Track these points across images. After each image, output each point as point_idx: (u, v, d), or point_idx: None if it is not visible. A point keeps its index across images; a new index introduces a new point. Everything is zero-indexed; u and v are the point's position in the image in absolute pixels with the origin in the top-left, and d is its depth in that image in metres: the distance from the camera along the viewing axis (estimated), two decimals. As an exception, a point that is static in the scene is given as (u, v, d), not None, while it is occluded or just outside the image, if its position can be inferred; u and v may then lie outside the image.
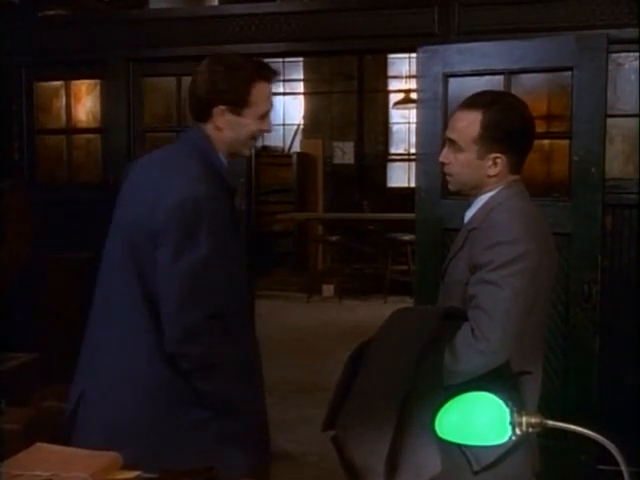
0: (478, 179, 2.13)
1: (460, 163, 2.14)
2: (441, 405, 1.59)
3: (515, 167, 2.14)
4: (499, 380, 1.91)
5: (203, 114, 2.35)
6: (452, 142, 2.15)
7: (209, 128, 2.36)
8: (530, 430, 1.51)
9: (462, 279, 2.09)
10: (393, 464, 1.88)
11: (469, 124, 2.10)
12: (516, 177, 2.16)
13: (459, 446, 1.93)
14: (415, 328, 2.00)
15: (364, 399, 1.99)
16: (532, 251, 1.97)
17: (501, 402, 1.53)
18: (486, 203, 2.14)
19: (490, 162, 2.10)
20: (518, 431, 1.51)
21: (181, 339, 2.18)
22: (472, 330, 1.94)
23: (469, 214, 2.22)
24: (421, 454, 1.88)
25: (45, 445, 2.08)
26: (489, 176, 2.11)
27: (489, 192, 2.14)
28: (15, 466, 1.88)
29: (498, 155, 2.09)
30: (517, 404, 1.55)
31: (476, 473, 2.00)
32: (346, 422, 2.00)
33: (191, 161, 2.31)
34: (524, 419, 1.50)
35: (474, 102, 2.15)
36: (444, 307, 2.09)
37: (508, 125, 2.08)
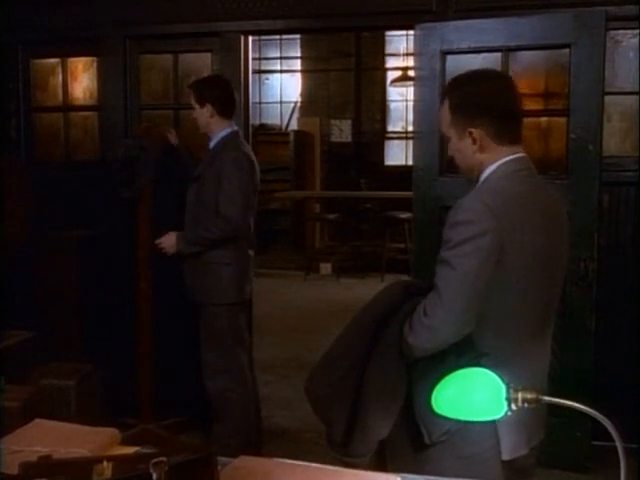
0: (470, 160, 2.12)
1: (453, 152, 2.17)
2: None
3: (499, 136, 2.08)
4: (461, 360, 1.89)
5: None
6: (445, 136, 2.19)
7: None
8: (526, 405, 1.53)
9: None
10: (350, 423, 2.07)
11: (443, 114, 2.14)
12: (513, 156, 2.09)
13: (414, 417, 2.00)
14: (378, 299, 2.16)
15: (330, 360, 2.17)
16: (489, 231, 1.93)
17: (497, 378, 1.55)
18: (478, 183, 2.13)
19: (469, 139, 2.09)
20: (514, 406, 1.53)
21: None
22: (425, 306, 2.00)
23: None
24: (371, 418, 2.04)
25: (44, 421, 2.10)
26: (474, 152, 2.10)
27: (486, 170, 2.11)
28: (15, 442, 1.89)
29: (471, 129, 2.08)
30: None
31: (428, 446, 2.03)
32: (313, 378, 2.20)
33: None
34: (520, 395, 1.52)
35: (443, 93, 2.20)
36: (410, 280, 2.18)
37: (469, 98, 2.09)
